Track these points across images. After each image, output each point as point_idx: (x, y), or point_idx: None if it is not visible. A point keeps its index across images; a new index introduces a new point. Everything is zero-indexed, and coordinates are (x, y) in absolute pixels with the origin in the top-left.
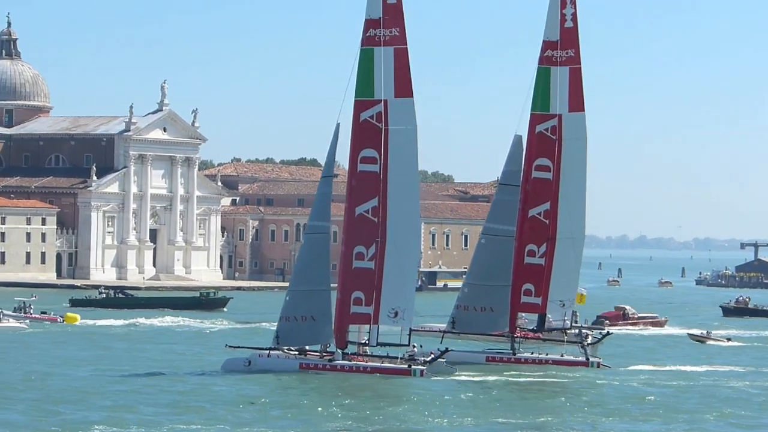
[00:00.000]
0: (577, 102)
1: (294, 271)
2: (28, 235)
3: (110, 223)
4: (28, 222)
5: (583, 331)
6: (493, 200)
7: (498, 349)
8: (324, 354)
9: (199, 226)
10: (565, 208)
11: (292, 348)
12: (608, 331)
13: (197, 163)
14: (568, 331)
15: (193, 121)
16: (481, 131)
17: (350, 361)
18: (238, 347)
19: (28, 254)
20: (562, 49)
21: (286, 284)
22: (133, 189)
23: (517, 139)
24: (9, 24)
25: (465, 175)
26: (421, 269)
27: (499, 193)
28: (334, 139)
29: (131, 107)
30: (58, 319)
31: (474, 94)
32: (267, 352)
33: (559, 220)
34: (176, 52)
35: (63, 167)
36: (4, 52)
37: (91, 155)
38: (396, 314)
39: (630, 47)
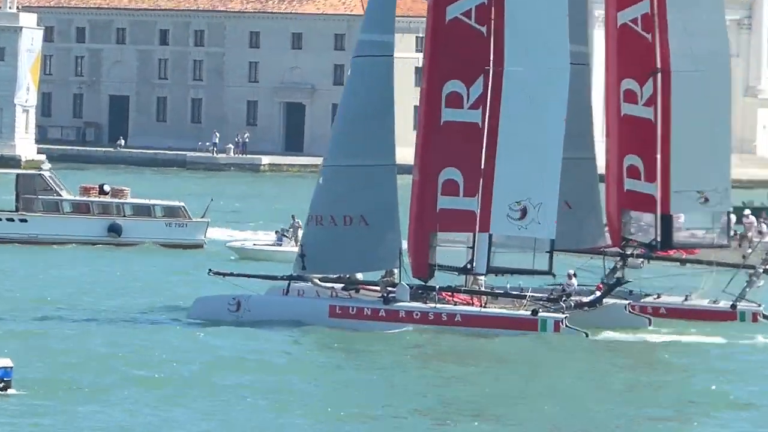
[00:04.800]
0: None
1: (333, 132)
2: None
3: None
4: None
5: None
6: None
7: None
8: (387, 292)
9: None
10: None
11: (331, 278)
12: None
13: None
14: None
15: None
16: None
17: (427, 303)
18: (226, 274)
19: None
20: None
21: None
22: None
23: None
24: None
25: None
26: None
27: None
28: None
29: None
30: None
31: None
32: (285, 285)
33: (671, 35)
34: None
35: None
36: None
37: None
38: (524, 212)
39: None
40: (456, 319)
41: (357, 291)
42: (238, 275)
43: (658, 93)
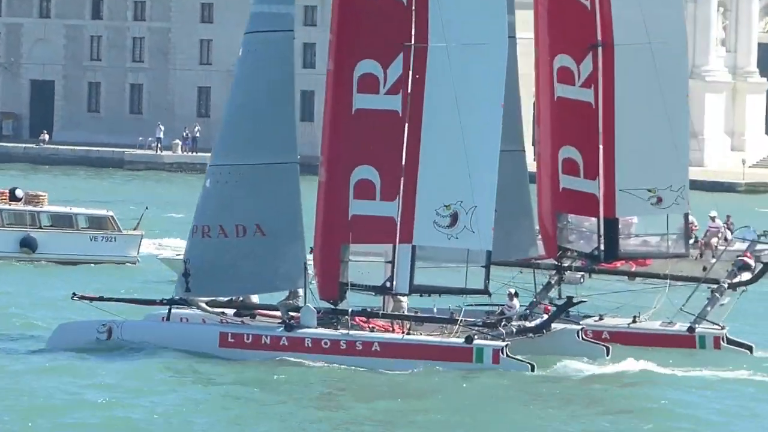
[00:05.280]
0: None
1: (223, 125)
2: None
3: None
4: None
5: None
6: None
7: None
8: (290, 317)
9: None
10: None
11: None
12: None
13: None
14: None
15: None
16: None
17: (338, 330)
18: (94, 298)
19: None
20: None
21: None
22: None
23: None
24: None
25: None
26: None
27: None
28: None
29: None
30: None
31: None
32: (167, 311)
33: (614, 1)
34: None
35: None
36: None
37: None
38: (454, 218)
39: None
40: (373, 349)
41: (252, 317)
42: (109, 299)
43: (599, 71)
